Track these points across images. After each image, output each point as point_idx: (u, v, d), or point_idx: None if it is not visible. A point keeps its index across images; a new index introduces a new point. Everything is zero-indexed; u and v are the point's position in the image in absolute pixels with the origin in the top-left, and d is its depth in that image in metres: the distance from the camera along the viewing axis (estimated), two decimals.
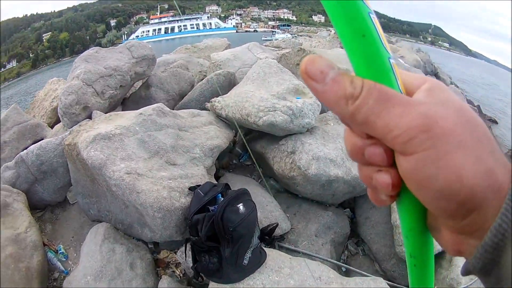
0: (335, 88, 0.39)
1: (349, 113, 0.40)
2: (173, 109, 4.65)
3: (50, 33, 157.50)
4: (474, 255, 0.38)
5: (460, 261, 3.13)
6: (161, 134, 3.67)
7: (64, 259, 3.93)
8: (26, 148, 4.62)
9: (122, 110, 5.92)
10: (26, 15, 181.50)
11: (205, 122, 4.23)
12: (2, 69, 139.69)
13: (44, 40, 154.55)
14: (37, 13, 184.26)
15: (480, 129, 0.38)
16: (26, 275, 3.22)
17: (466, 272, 0.42)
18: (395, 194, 0.43)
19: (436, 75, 10.58)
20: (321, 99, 0.41)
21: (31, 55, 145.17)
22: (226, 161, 4.81)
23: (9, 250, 3.30)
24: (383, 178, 0.41)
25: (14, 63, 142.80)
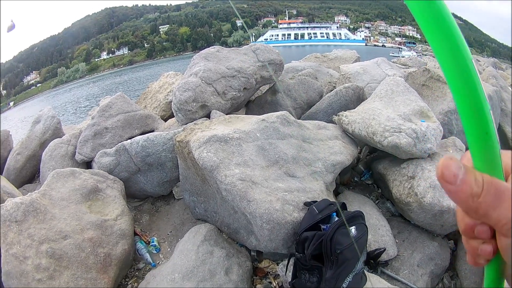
0: (464, 187, 0.51)
1: (473, 208, 0.52)
2: (299, 118, 4.70)
3: (168, 25, 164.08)
4: None
5: None
6: (283, 143, 3.71)
7: (155, 252, 4.11)
8: (131, 138, 4.84)
9: (246, 113, 6.10)
10: (137, 5, 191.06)
11: (330, 136, 4.25)
12: (111, 55, 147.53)
13: (161, 32, 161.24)
14: (150, 5, 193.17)
15: None
16: (103, 261, 3.40)
17: None
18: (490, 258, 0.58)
19: None
20: (453, 198, 0.53)
21: (146, 45, 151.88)
22: (347, 178, 4.82)
23: (90, 234, 3.49)
24: (487, 248, 0.56)
25: (125, 51, 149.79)
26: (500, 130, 6.00)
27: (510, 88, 7.50)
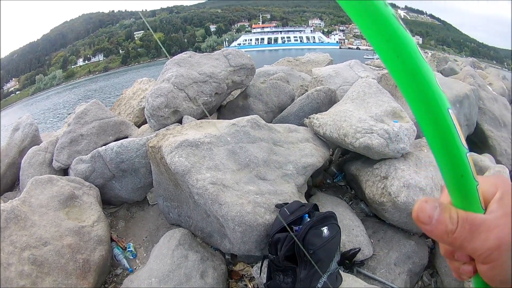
0: (439, 226, 0.58)
1: (449, 242, 0.59)
2: (271, 122, 4.70)
3: (143, 31, 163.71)
4: None
5: None
6: (254, 147, 3.72)
7: (132, 257, 4.09)
8: (106, 144, 4.82)
9: (218, 118, 6.10)
10: (113, 11, 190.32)
11: (301, 139, 4.26)
12: (87, 62, 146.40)
13: (136, 38, 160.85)
14: (126, 10, 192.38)
15: None
16: (82, 267, 3.39)
17: None
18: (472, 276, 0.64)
19: None
20: (428, 235, 0.60)
21: (120, 51, 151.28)
22: (320, 180, 4.85)
23: (68, 240, 3.48)
24: (467, 269, 0.63)
25: (100, 57, 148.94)
26: (478, 128, 6.08)
27: (490, 88, 7.63)
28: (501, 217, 0.56)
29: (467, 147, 0.54)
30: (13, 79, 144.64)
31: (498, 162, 5.40)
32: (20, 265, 3.05)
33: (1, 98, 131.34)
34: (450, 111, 0.51)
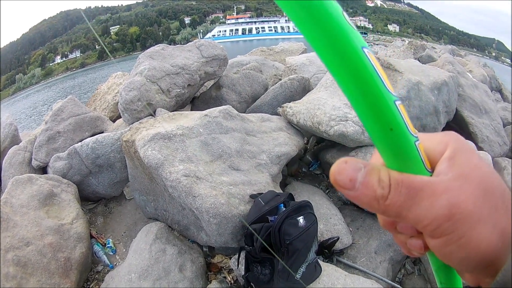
0: (365, 191, 0.43)
1: (382, 211, 0.44)
2: (244, 112, 4.66)
3: (118, 26, 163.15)
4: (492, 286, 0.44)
5: None
6: (227, 137, 3.68)
7: (112, 253, 4.06)
8: (82, 140, 4.77)
9: (192, 110, 6.08)
10: (90, 7, 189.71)
11: (274, 128, 4.24)
12: (64, 59, 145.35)
13: (112, 33, 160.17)
14: (102, 6, 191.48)
15: (496, 195, 0.44)
16: (64, 265, 3.35)
17: None
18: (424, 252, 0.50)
19: (500, 91, 10.32)
20: (355, 202, 0.45)
21: (97, 47, 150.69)
22: (295, 169, 4.82)
23: (49, 239, 3.44)
24: (416, 243, 0.49)
25: (77, 54, 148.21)
26: (458, 115, 6.05)
27: (469, 75, 7.67)
28: (453, 179, 0.43)
29: (396, 95, 0.41)
30: None
31: (479, 148, 5.39)
32: (5, 267, 3.02)
33: None
34: (365, 50, 0.38)
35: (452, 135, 0.49)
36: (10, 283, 2.93)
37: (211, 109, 4.01)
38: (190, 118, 3.86)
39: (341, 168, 0.44)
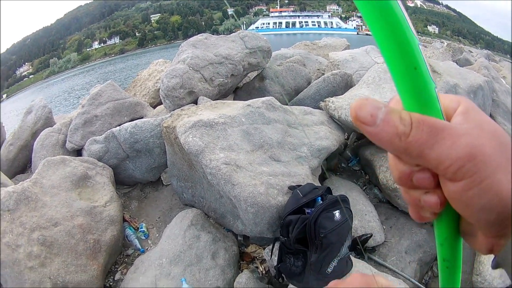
0: (386, 128, 0.44)
1: (403, 149, 0.45)
2: (287, 104, 4.70)
3: (159, 14, 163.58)
4: (504, 250, 0.47)
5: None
6: (269, 128, 3.72)
7: (144, 238, 4.14)
8: (120, 125, 4.85)
9: (234, 99, 6.07)
10: None
11: (316, 122, 4.25)
12: (103, 44, 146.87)
13: (153, 21, 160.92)
14: None
15: (508, 148, 0.45)
16: (93, 247, 3.44)
17: (496, 265, 0.50)
18: (438, 211, 0.51)
19: None
20: (375, 141, 0.46)
21: (137, 34, 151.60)
22: (334, 164, 4.84)
23: (79, 220, 3.53)
24: (432, 199, 0.48)
25: (116, 40, 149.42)
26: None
27: (503, 81, 7.55)
28: (471, 128, 0.45)
29: (419, 40, 0.43)
30: (26, 63, 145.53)
31: None
32: (29, 246, 3.09)
33: (12, 82, 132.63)
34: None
35: (463, 97, 0.51)
36: (32, 262, 3.01)
37: (254, 99, 4.05)
38: (233, 108, 3.91)
39: (362, 104, 0.45)
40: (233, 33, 6.16)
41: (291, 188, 3.16)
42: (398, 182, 0.51)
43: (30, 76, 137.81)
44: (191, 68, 5.04)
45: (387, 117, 0.44)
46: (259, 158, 3.38)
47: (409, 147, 0.44)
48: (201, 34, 5.97)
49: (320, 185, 3.56)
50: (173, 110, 4.83)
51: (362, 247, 3.57)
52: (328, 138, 3.98)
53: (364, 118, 0.44)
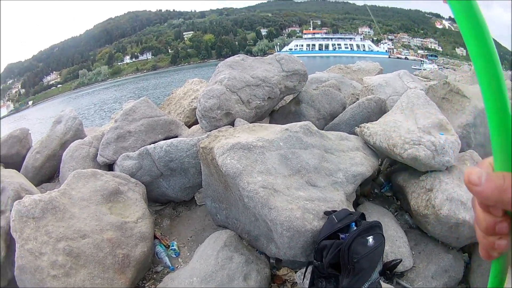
0: (489, 184, 0.60)
1: (502, 197, 0.59)
2: (322, 129, 4.74)
3: (192, 32, 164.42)
4: None
5: None
6: (306, 153, 3.76)
7: (174, 256, 4.19)
8: (154, 143, 4.92)
9: (270, 122, 6.17)
10: (161, 10, 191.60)
11: (352, 147, 4.29)
12: (134, 59, 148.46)
13: (186, 39, 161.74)
14: (174, 10, 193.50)
15: None
16: (121, 261, 3.50)
17: None
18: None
19: None
20: (480, 197, 0.62)
21: (169, 51, 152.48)
22: (368, 189, 4.85)
23: (109, 234, 3.60)
24: (502, 243, 0.64)
25: (148, 56, 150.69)
26: None
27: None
28: None
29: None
30: (54, 72, 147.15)
31: None
32: (53, 255, 3.17)
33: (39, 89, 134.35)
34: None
35: None
36: (56, 271, 3.09)
37: (292, 123, 4.09)
38: (270, 131, 3.96)
39: (472, 171, 0.62)
40: (270, 55, 6.21)
41: (327, 213, 3.19)
42: (484, 231, 0.66)
43: (58, 86, 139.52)
44: (228, 89, 5.09)
45: (488, 177, 0.60)
46: (296, 183, 3.41)
47: (506, 194, 0.59)
48: (237, 55, 6.04)
49: (354, 210, 3.59)
50: (210, 130, 4.89)
51: (391, 272, 3.60)
52: (363, 164, 4.01)
53: (474, 180, 0.61)
